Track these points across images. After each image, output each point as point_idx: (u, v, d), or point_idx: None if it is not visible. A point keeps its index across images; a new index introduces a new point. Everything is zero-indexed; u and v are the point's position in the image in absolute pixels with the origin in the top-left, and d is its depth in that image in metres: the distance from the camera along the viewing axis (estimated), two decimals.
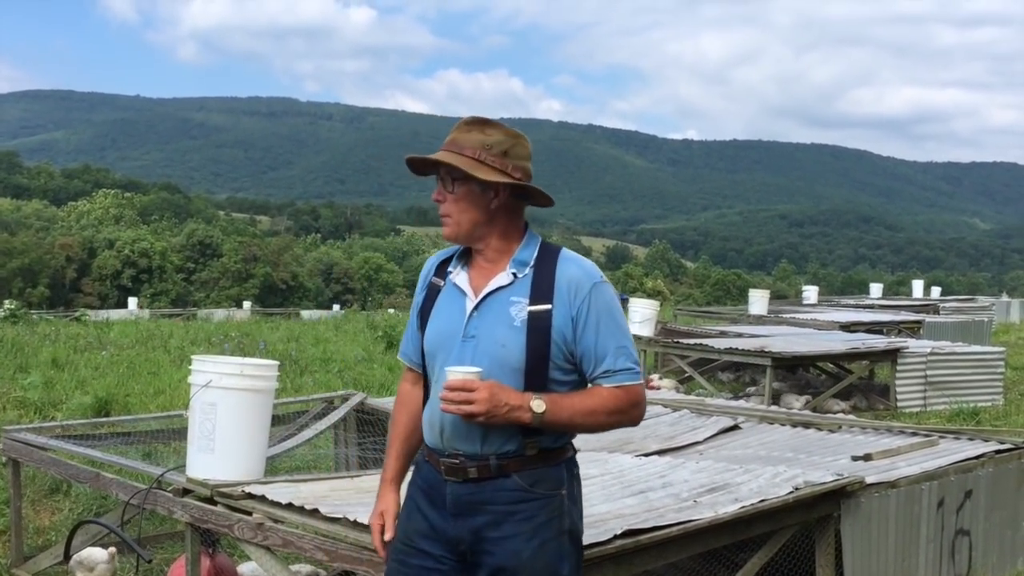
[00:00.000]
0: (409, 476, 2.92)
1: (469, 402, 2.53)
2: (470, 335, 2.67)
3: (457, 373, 2.57)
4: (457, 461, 2.67)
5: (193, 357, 4.58)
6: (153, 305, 55.74)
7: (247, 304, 52.33)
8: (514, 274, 2.71)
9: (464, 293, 2.75)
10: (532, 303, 2.65)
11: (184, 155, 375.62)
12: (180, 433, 6.28)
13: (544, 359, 2.63)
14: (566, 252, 2.76)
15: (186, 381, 11.41)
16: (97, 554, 5.06)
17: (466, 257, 2.82)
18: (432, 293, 2.83)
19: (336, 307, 54.25)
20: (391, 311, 33.06)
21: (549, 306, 2.65)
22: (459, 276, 2.78)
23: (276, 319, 29.84)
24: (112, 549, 5.18)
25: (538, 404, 2.58)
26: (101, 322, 22.66)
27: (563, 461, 2.74)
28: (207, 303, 62.74)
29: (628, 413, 2.70)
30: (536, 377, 2.64)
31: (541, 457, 2.68)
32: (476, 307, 2.70)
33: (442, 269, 2.85)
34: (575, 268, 2.71)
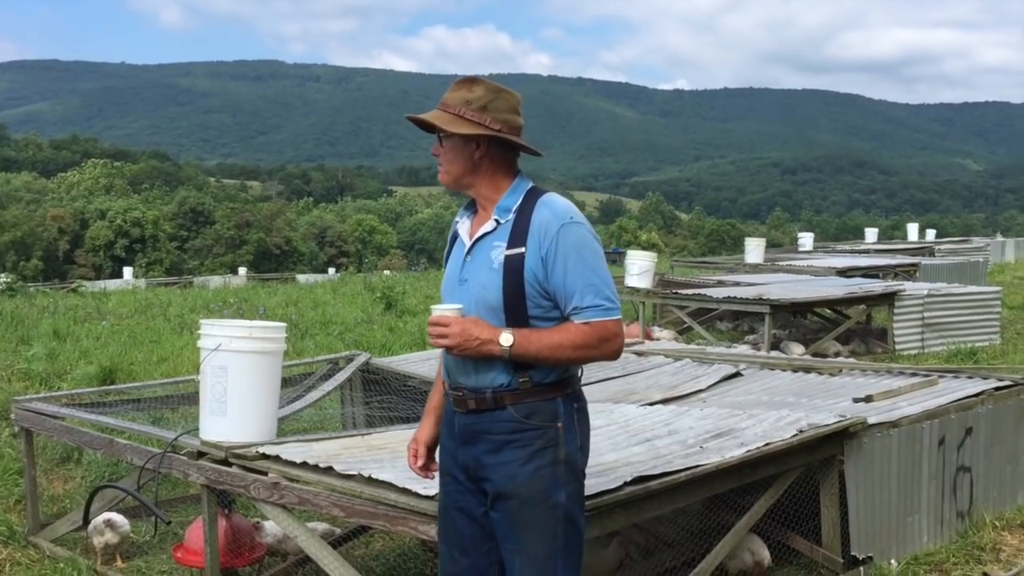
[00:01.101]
0: None
1: (443, 336, 2.80)
2: (464, 279, 2.95)
3: (438, 310, 2.85)
4: (460, 394, 2.92)
5: (202, 321, 4.62)
6: (148, 274, 55.65)
7: (243, 270, 52.29)
8: (497, 220, 2.93)
9: (463, 241, 3.02)
10: (508, 247, 2.87)
11: (172, 122, 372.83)
12: (188, 398, 6.35)
13: (520, 298, 2.84)
14: (546, 196, 2.92)
15: (188, 348, 11.48)
16: (114, 519, 5.14)
17: (472, 207, 3.05)
18: (451, 242, 3.10)
19: (331, 270, 54.22)
20: (387, 273, 33.06)
21: (522, 249, 2.85)
22: (462, 225, 3.05)
23: (273, 284, 29.85)
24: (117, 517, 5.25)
25: (506, 338, 2.79)
26: (99, 292, 22.68)
27: (559, 396, 2.89)
28: (202, 271, 62.69)
29: (598, 348, 2.84)
30: (515, 315, 2.84)
31: (535, 391, 2.86)
32: (468, 252, 2.97)
33: (462, 220, 3.10)
34: (546, 211, 2.87)
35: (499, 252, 2.86)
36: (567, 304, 2.83)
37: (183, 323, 14.55)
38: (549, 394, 2.87)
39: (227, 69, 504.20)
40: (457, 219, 3.08)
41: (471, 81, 2.96)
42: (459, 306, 2.85)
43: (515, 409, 2.85)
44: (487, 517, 2.92)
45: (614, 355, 2.90)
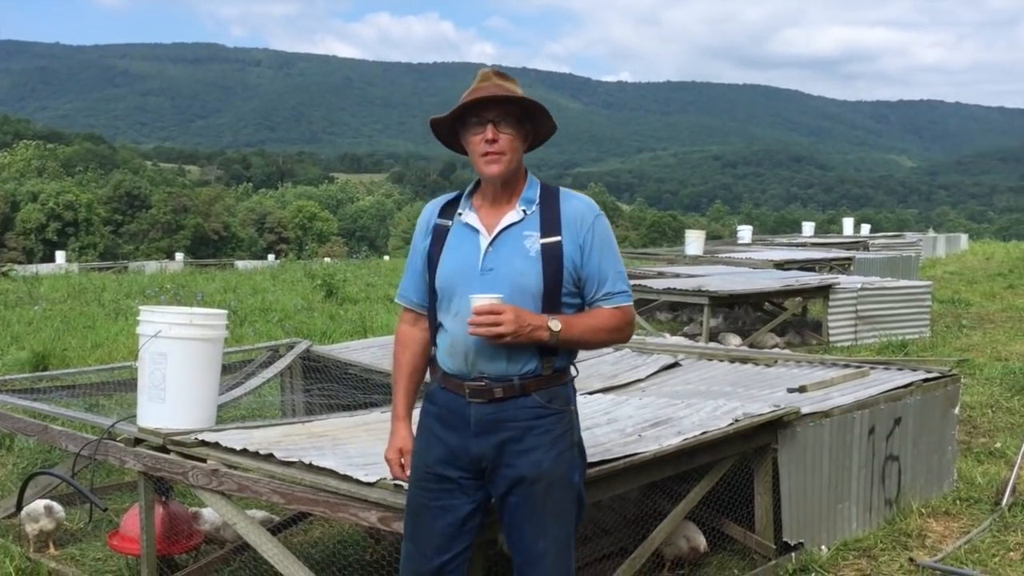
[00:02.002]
0: (416, 412, 3.15)
1: (497, 324, 2.80)
2: (487, 268, 2.92)
3: (483, 299, 2.82)
4: (483, 383, 2.92)
5: (141, 308, 4.57)
6: (81, 259, 54.56)
7: (179, 256, 51.54)
8: (524, 211, 2.98)
9: (477, 231, 2.99)
10: (544, 236, 2.94)
11: (107, 104, 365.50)
12: (124, 385, 6.26)
13: (558, 284, 2.93)
14: (565, 190, 3.07)
15: (124, 334, 11.31)
16: (53, 506, 5.06)
17: (471, 199, 3.07)
18: (439, 235, 3.05)
19: (271, 257, 53.68)
20: (327, 260, 32.82)
21: (559, 238, 2.94)
22: (469, 216, 3.02)
23: (211, 270, 29.48)
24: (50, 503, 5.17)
25: (555, 323, 2.88)
26: (30, 277, 22.22)
27: (569, 380, 3.05)
28: (137, 255, 61.66)
29: (624, 331, 3.06)
30: (551, 301, 2.93)
31: (554, 377, 2.97)
32: (491, 243, 2.95)
33: (447, 212, 3.07)
34: (579, 203, 3.03)
35: (534, 241, 2.92)
36: (599, 290, 2.99)
37: (118, 309, 14.34)
38: (563, 379, 3.01)
39: (165, 51, 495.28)
40: (447, 209, 3.06)
41: (505, 75, 3.00)
42: (500, 295, 2.83)
43: (539, 395, 2.94)
44: (474, 513, 2.98)
45: (630, 337, 3.16)
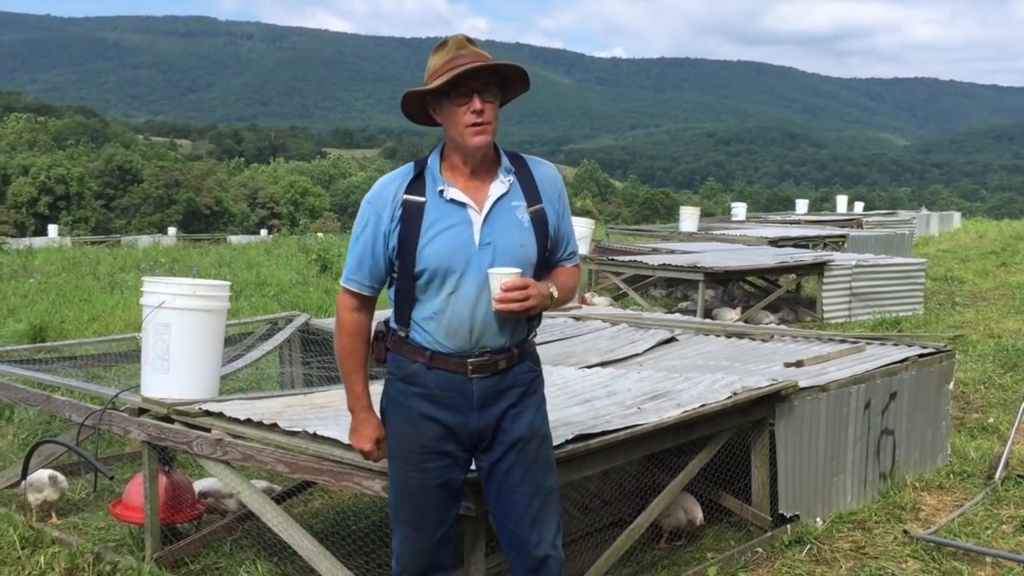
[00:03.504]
0: (385, 397, 3.06)
1: (527, 298, 2.81)
2: (485, 242, 2.87)
3: (507, 275, 2.80)
4: (486, 357, 2.92)
5: (144, 279, 4.58)
6: (73, 232, 54.33)
7: (172, 230, 51.38)
8: (508, 182, 2.95)
9: (465, 205, 2.89)
10: (530, 204, 2.96)
11: (99, 77, 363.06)
12: (124, 356, 6.29)
13: (546, 251, 2.99)
14: (527, 156, 3.06)
15: (120, 307, 11.31)
16: (57, 475, 5.10)
17: (423, 173, 2.93)
18: (413, 214, 2.87)
19: (263, 232, 53.56)
20: (320, 235, 32.79)
21: (541, 205, 2.98)
22: (451, 191, 2.89)
23: (205, 245, 29.43)
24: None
25: (554, 290, 2.95)
26: (24, 250, 22.16)
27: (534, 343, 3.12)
28: (129, 230, 61.38)
29: (577, 286, 3.18)
30: (542, 266, 3.00)
31: (531, 341, 3.06)
32: (485, 216, 2.89)
33: (416, 188, 2.90)
34: (546, 168, 3.06)
35: (523, 210, 2.93)
36: (565, 249, 3.08)
37: (113, 282, 14.34)
38: (534, 342, 3.09)
39: (157, 24, 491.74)
40: (415, 185, 2.90)
41: (473, 40, 2.90)
42: (518, 269, 2.83)
43: (530, 360, 3.04)
44: (465, 482, 3.03)
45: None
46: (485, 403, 2.93)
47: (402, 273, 2.91)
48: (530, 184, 2.97)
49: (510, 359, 2.95)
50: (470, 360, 2.90)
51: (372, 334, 3.02)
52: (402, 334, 2.96)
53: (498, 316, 2.86)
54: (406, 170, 2.96)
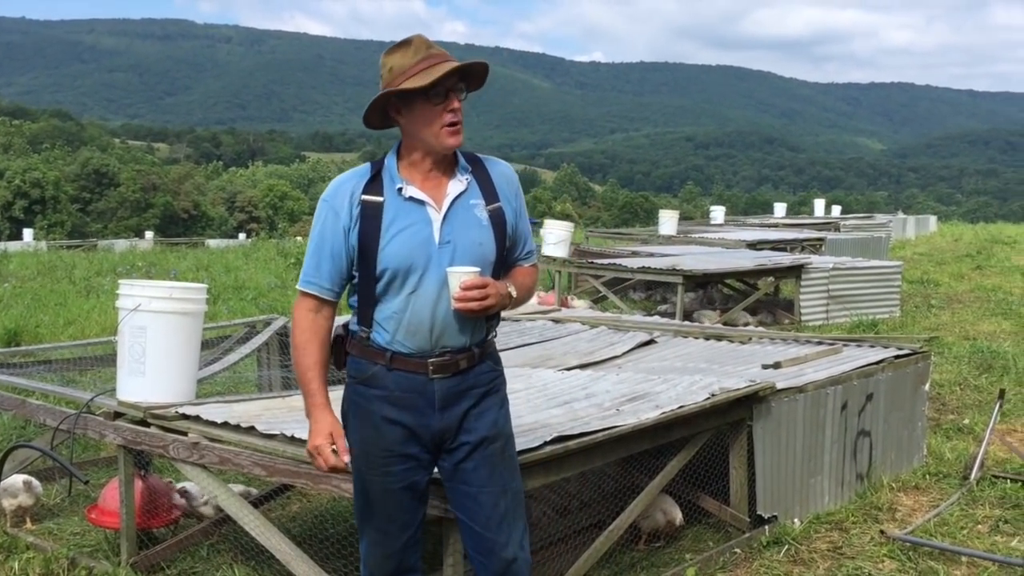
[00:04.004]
0: (345, 401, 3.00)
1: (486, 296, 2.80)
2: (445, 241, 2.84)
3: (466, 274, 2.79)
4: (447, 357, 2.89)
5: (120, 281, 4.54)
6: (49, 237, 53.87)
7: (149, 234, 51.09)
8: (466, 180, 2.92)
9: (424, 203, 2.86)
10: (488, 203, 2.93)
11: (74, 80, 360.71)
12: (100, 360, 6.24)
13: (504, 249, 2.97)
14: (482, 155, 3.05)
15: (96, 311, 11.22)
16: (32, 481, 5.05)
17: (400, 172, 2.89)
18: (372, 214, 2.84)
19: (242, 236, 53.34)
20: (299, 239, 32.70)
21: (499, 204, 2.96)
22: (410, 189, 2.86)
23: (182, 248, 29.28)
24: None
25: (512, 288, 2.94)
26: None
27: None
28: (106, 234, 60.97)
29: (534, 287, 3.15)
30: (500, 266, 2.98)
31: (492, 340, 3.04)
32: (444, 215, 2.86)
33: (373, 188, 2.87)
34: (503, 167, 3.05)
35: (481, 209, 2.90)
36: (523, 248, 3.06)
37: (89, 286, 14.24)
38: (494, 341, 3.06)
39: (133, 27, 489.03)
40: (372, 185, 2.85)
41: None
42: (477, 268, 2.82)
43: (490, 360, 3.01)
44: (429, 483, 2.98)
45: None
46: (447, 404, 2.89)
47: (363, 274, 2.87)
48: (487, 183, 2.95)
49: (471, 359, 2.92)
50: (431, 360, 2.87)
51: (331, 339, 2.96)
52: (363, 335, 2.91)
53: (458, 315, 2.83)
54: (363, 170, 2.93)
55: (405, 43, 2.85)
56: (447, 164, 2.92)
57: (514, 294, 2.93)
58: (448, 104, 2.80)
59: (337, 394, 2.99)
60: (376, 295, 2.87)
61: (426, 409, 2.89)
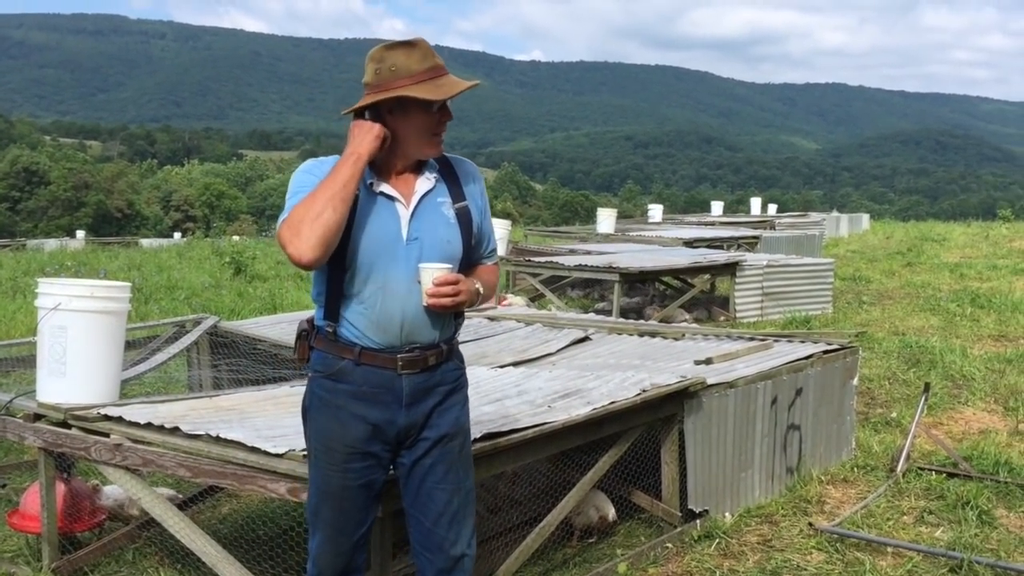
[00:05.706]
0: (309, 395, 3.00)
1: (458, 293, 2.83)
2: (413, 237, 2.87)
3: (438, 270, 2.82)
4: (415, 353, 2.91)
5: (39, 280, 4.43)
6: None
7: (80, 233, 50.00)
8: (434, 179, 2.95)
9: (394, 199, 2.89)
10: (455, 202, 2.97)
11: (3, 76, 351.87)
12: (22, 362, 6.08)
13: (470, 247, 3.00)
14: (449, 154, 3.05)
15: (22, 311, 10.95)
16: None
17: (371, 169, 2.87)
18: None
19: (177, 235, 52.51)
20: (236, 238, 32.28)
21: (466, 202, 3.00)
22: (382, 185, 2.89)
23: (114, 248, 28.74)
24: None
25: (479, 285, 2.97)
26: None
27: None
28: (36, 233, 59.61)
29: (496, 285, 3.17)
30: (467, 263, 3.01)
31: (456, 338, 3.06)
32: (412, 212, 2.89)
33: None
34: (468, 166, 3.08)
35: (448, 207, 2.94)
36: (486, 246, 3.09)
37: (16, 287, 13.91)
38: (457, 339, 3.09)
39: (64, 22, 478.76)
40: (369, 181, 2.84)
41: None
42: (449, 265, 2.86)
43: (456, 358, 3.05)
44: (385, 482, 2.99)
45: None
46: (414, 400, 2.91)
47: (331, 265, 2.84)
48: (454, 182, 2.99)
49: (439, 355, 2.95)
50: (400, 355, 2.88)
51: (296, 332, 3.01)
52: (330, 330, 2.91)
53: (428, 311, 2.86)
54: (328, 160, 2.91)
55: (408, 44, 2.86)
56: (416, 162, 2.95)
57: (481, 291, 2.96)
58: (443, 117, 2.90)
59: (299, 389, 3.00)
60: (343, 289, 2.88)
61: (393, 405, 2.91)
